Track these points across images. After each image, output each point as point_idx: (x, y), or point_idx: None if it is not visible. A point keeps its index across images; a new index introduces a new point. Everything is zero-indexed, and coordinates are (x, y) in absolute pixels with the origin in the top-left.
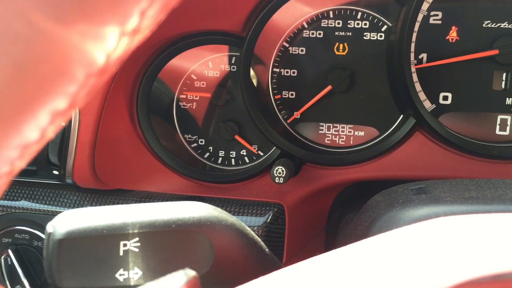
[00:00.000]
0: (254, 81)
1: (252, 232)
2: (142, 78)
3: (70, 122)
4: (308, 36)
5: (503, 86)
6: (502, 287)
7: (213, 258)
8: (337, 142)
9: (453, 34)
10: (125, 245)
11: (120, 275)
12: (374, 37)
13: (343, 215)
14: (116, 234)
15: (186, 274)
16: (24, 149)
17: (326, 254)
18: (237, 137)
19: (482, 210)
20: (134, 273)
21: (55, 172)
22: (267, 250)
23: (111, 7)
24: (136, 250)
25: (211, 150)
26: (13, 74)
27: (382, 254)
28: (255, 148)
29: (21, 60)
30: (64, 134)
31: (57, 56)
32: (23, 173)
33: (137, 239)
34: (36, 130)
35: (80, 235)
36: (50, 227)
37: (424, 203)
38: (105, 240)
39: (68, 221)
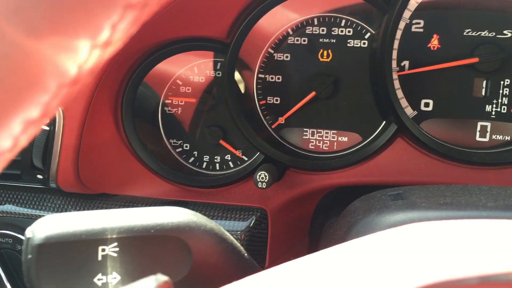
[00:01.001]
0: (240, 87)
1: (231, 237)
2: (127, 83)
3: (54, 126)
4: (293, 42)
5: (483, 93)
6: None
7: (191, 263)
8: (321, 147)
9: (434, 42)
10: (103, 250)
11: (99, 279)
12: (357, 44)
13: (326, 220)
14: (95, 239)
15: (156, 280)
16: None
17: (301, 258)
18: (222, 141)
19: (455, 216)
20: (112, 278)
21: (39, 176)
22: (246, 255)
23: (82, 21)
24: (115, 255)
25: (196, 155)
26: None
27: (354, 258)
28: (240, 153)
29: None
30: (48, 138)
31: (30, 67)
32: (7, 177)
33: (115, 244)
34: (8, 139)
35: (58, 240)
36: (29, 232)
37: (400, 208)
38: (83, 245)
39: (47, 226)
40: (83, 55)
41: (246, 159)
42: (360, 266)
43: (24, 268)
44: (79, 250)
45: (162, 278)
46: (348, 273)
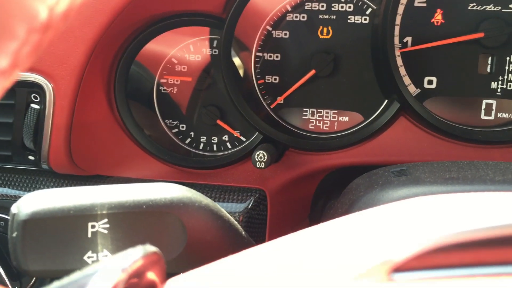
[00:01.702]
0: (238, 66)
1: (227, 214)
2: (119, 60)
3: (44, 105)
4: (291, 19)
5: (488, 70)
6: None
7: (186, 240)
8: (321, 127)
9: (438, 17)
10: (93, 226)
11: (89, 257)
12: (358, 20)
13: (326, 202)
14: (84, 215)
15: (144, 249)
16: None
17: (299, 231)
18: (219, 121)
19: (462, 190)
20: (103, 256)
21: (31, 158)
22: (243, 232)
23: None
24: (105, 231)
25: (192, 136)
26: None
27: (355, 229)
28: (238, 133)
29: None
30: (39, 117)
31: None
32: None
33: (106, 220)
34: None
35: (45, 215)
36: (14, 208)
37: (403, 184)
38: (72, 221)
39: (33, 201)
40: None
41: (244, 139)
42: (363, 235)
43: (10, 245)
44: (67, 227)
45: (150, 248)
46: (348, 243)
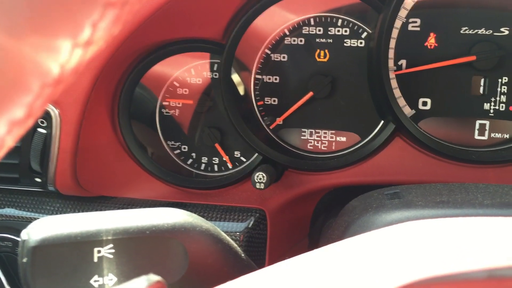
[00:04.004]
0: (239, 88)
1: (227, 238)
2: (123, 85)
3: (51, 129)
4: (289, 43)
5: (481, 91)
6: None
7: (187, 264)
8: (319, 147)
9: (431, 41)
10: (99, 251)
11: (95, 281)
12: (354, 44)
13: (325, 221)
14: (90, 240)
15: (148, 280)
16: None
17: (296, 257)
18: (217, 145)
19: (451, 214)
20: (108, 280)
21: (38, 180)
22: (243, 255)
23: (63, 20)
24: (111, 256)
25: (194, 157)
26: None
27: (349, 256)
28: (236, 156)
29: None
30: (46, 141)
31: (11, 68)
32: (6, 180)
33: (111, 245)
34: None
35: (54, 242)
36: (24, 234)
37: (396, 207)
38: (79, 247)
39: (42, 228)
40: (65, 54)
41: (244, 160)
42: (357, 263)
43: (20, 270)
44: (74, 252)
45: (154, 278)
46: (343, 271)
